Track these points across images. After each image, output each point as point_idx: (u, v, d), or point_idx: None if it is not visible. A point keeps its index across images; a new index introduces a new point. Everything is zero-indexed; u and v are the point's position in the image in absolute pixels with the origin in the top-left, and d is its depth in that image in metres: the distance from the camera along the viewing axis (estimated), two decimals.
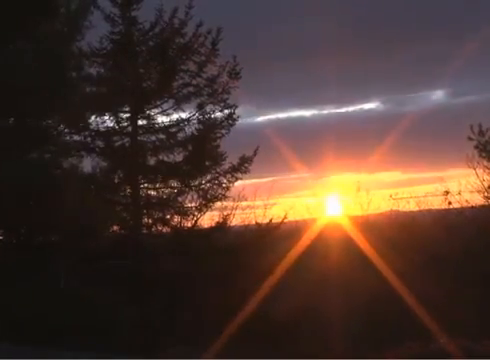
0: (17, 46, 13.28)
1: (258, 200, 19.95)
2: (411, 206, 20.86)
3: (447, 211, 19.81)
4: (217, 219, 18.73)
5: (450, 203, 19.53)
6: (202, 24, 17.39)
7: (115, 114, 17.63)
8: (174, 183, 18.20)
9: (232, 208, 19.14)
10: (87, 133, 17.47)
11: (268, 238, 18.83)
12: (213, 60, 17.70)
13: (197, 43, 17.52)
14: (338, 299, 16.42)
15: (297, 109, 43.58)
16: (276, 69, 30.98)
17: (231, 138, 18.30)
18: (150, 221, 18.25)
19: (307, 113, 39.06)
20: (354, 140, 25.94)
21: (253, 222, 19.82)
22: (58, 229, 14.85)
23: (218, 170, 18.13)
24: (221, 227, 18.52)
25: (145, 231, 18.14)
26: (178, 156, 17.89)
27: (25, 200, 13.13)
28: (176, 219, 18.33)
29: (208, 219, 18.88)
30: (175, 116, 17.95)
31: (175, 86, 17.84)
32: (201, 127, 17.97)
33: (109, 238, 17.42)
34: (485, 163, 18.85)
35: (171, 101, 17.90)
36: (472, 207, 19.51)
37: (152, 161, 17.96)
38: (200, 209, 18.38)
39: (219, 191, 18.28)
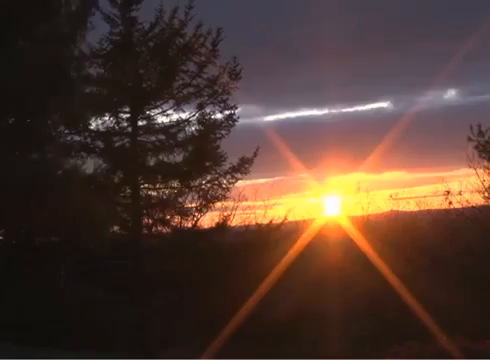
0: (17, 46, 13.27)
1: (273, 198, 20.12)
2: (411, 206, 20.90)
3: (447, 211, 19.81)
4: (217, 220, 18.77)
5: (450, 203, 19.54)
6: (202, 24, 17.41)
7: (115, 114, 17.63)
8: (174, 183, 18.20)
9: (232, 208, 19.20)
10: (87, 133, 17.47)
11: (268, 238, 18.84)
12: (213, 61, 17.71)
13: (197, 43, 17.51)
14: (338, 299, 16.43)
15: (307, 108, 43.73)
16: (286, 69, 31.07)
17: (232, 137, 18.37)
18: (150, 221, 18.26)
19: (319, 112, 39.00)
20: (361, 140, 25.92)
21: (253, 222, 19.87)
22: (58, 229, 14.82)
23: (218, 171, 18.15)
24: (221, 228, 18.52)
25: (145, 231, 18.14)
26: (178, 156, 17.89)
27: (25, 200, 13.10)
28: (176, 219, 18.34)
29: (208, 220, 18.93)
30: (175, 116, 17.96)
31: (175, 86, 17.83)
32: (201, 128, 17.98)
33: (109, 238, 17.42)
34: (485, 163, 18.88)
35: (171, 101, 17.90)
36: (472, 207, 19.53)
37: (152, 161, 17.97)
38: (200, 210, 18.40)
39: (219, 192, 18.31)
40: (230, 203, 19.10)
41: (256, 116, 29.98)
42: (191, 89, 17.81)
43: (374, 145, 19.46)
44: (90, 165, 17.20)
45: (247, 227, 19.91)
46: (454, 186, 19.63)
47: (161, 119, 17.96)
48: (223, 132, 18.12)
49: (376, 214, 21.14)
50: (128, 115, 17.77)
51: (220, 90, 17.87)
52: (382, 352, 10.74)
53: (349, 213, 21.51)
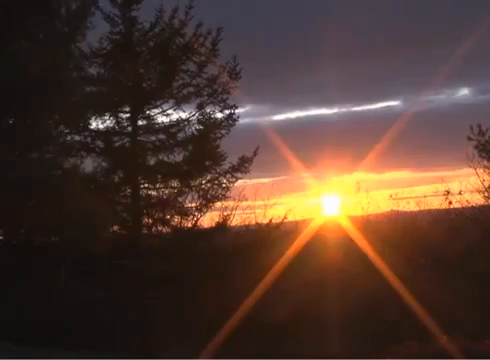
0: (17, 46, 13.26)
1: (273, 198, 20.10)
2: (411, 206, 20.89)
3: (447, 211, 19.80)
4: (217, 219, 18.77)
5: (450, 203, 19.54)
6: (202, 24, 17.41)
7: (115, 114, 17.62)
8: (174, 183, 18.19)
9: (232, 208, 19.20)
10: (87, 133, 17.47)
11: (268, 239, 18.83)
12: (213, 60, 17.71)
13: (197, 43, 17.51)
14: (338, 299, 16.43)
15: (316, 108, 43.79)
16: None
17: (233, 137, 18.38)
18: (150, 221, 18.25)
19: (329, 111, 38.99)
20: (361, 140, 25.86)
21: (253, 222, 19.86)
22: (58, 229, 14.83)
23: (218, 170, 18.15)
24: (221, 227, 18.52)
25: (145, 231, 18.14)
26: (178, 156, 17.89)
27: (25, 200, 13.11)
28: (176, 219, 18.34)
29: (208, 219, 18.93)
30: (175, 116, 17.96)
31: (175, 86, 17.82)
32: (201, 127, 17.98)
33: (109, 238, 17.41)
34: (485, 163, 18.87)
35: (171, 101, 17.90)
36: (472, 207, 19.52)
37: (152, 161, 17.97)
38: (200, 209, 18.39)
39: (219, 191, 18.31)
40: (230, 203, 19.11)
41: (263, 115, 29.95)
42: (191, 89, 17.82)
43: (381, 144, 19.45)
44: (90, 165, 17.23)
45: (247, 227, 19.90)
46: (454, 186, 19.65)
47: (161, 119, 17.99)
48: (223, 132, 18.15)
49: (376, 214, 21.13)
50: (128, 115, 17.77)
51: (220, 90, 17.88)
52: (382, 352, 10.73)
53: (349, 213, 21.51)
